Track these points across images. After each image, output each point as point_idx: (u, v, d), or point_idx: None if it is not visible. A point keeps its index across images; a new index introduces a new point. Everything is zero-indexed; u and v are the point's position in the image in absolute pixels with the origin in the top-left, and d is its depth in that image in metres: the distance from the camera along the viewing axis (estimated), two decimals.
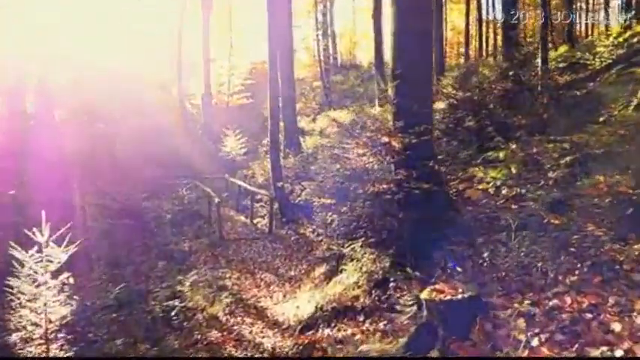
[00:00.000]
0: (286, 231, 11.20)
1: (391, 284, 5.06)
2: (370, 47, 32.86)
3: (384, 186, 5.16)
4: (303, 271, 8.61)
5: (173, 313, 6.07)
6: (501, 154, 5.27)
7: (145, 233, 11.41)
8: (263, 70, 32.80)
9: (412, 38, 5.48)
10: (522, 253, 3.88)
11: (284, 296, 7.59)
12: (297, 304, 7.01)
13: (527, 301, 3.39)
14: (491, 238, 4.57)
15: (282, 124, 15.08)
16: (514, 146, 5.07)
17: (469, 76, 10.92)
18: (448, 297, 3.16)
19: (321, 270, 7.86)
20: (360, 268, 5.71)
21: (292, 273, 8.64)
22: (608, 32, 15.15)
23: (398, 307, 3.98)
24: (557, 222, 4.18)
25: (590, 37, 21.08)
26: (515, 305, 3.30)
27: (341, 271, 6.36)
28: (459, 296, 3.16)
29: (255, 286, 8.10)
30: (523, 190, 4.93)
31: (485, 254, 4.13)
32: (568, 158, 5.03)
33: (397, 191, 5.06)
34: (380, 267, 5.43)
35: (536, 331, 3.08)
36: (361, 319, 4.88)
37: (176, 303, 6.19)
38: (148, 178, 14.50)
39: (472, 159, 6.15)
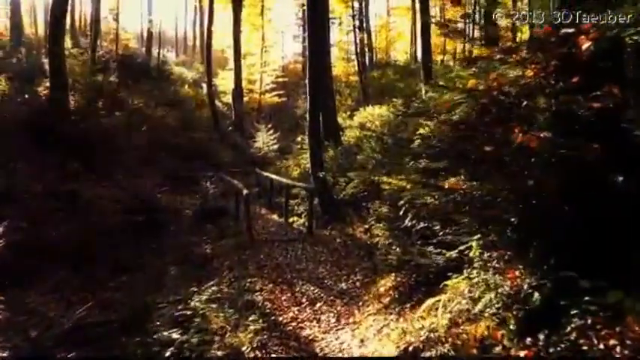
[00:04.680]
0: (329, 231, 8.72)
1: (575, 321, 2.47)
2: (407, 46, 30.40)
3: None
4: (358, 284, 6.09)
5: (172, 351, 3.64)
6: None
7: (161, 232, 9.18)
8: (295, 70, 30.86)
9: None
10: None
11: (337, 320, 5.07)
12: (360, 336, 4.48)
13: None
14: None
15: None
16: None
17: None
18: None
19: (388, 283, 5.30)
20: (485, 284, 3.14)
21: (343, 285, 6.13)
22: None
23: None
24: None
25: None
26: None
27: (438, 288, 3.79)
28: None
29: (294, 304, 5.62)
30: None
31: None
32: None
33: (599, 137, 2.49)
34: (532, 284, 2.84)
35: None
36: None
37: (175, 335, 3.76)
38: (170, 171, 12.36)
39: None
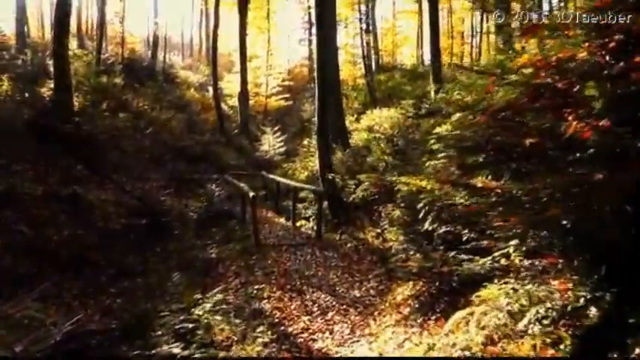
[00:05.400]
0: (339, 235, 8.35)
1: None
2: (413, 50, 30.07)
3: None
4: (372, 292, 5.71)
5: None
6: None
7: (165, 235, 8.84)
8: (301, 74, 30.60)
9: None
10: None
11: (351, 331, 4.69)
12: (378, 349, 4.10)
13: None
14: None
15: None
16: None
17: None
18: None
19: (406, 292, 4.93)
20: (528, 296, 2.76)
21: (356, 293, 5.75)
22: None
23: None
24: None
25: None
26: None
27: (464, 299, 3.41)
28: None
29: (304, 313, 5.24)
30: None
31: None
32: None
33: None
34: (587, 297, 2.46)
35: None
36: None
37: (176, 349, 3.40)
38: (174, 173, 12.05)
39: None
